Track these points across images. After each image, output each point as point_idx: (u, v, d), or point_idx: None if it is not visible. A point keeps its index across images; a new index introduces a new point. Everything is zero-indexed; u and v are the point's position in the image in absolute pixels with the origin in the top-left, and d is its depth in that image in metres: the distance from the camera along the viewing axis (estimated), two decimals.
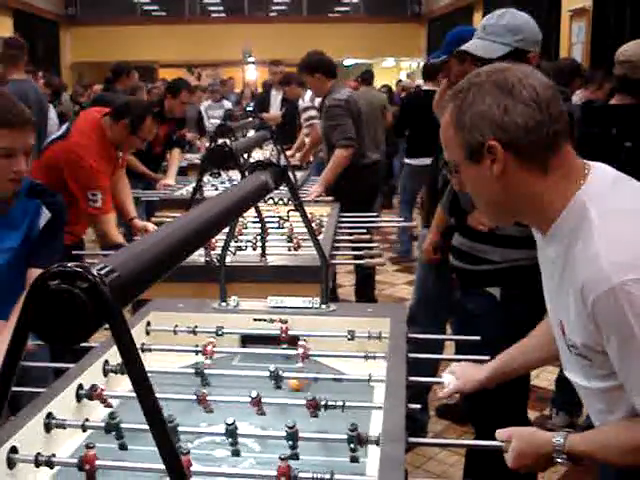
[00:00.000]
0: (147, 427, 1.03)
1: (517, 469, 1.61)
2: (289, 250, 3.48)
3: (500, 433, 1.64)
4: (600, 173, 1.46)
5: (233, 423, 1.70)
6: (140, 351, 2.30)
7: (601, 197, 1.41)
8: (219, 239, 2.73)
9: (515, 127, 1.37)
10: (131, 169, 5.82)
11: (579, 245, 1.39)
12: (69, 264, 1.00)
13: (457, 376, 1.98)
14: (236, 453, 1.73)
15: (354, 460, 1.66)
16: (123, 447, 1.75)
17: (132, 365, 1.02)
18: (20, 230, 2.46)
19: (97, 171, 3.65)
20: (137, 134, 3.75)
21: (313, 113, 6.62)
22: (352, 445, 1.65)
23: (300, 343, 2.23)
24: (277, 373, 2.02)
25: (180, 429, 1.75)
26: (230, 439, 1.71)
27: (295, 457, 1.65)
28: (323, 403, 1.83)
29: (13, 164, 2.27)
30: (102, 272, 1.02)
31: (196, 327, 2.41)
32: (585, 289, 1.36)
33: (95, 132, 3.76)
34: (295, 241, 3.53)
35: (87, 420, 1.84)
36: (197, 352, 2.27)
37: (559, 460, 1.52)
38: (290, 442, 1.67)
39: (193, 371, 2.13)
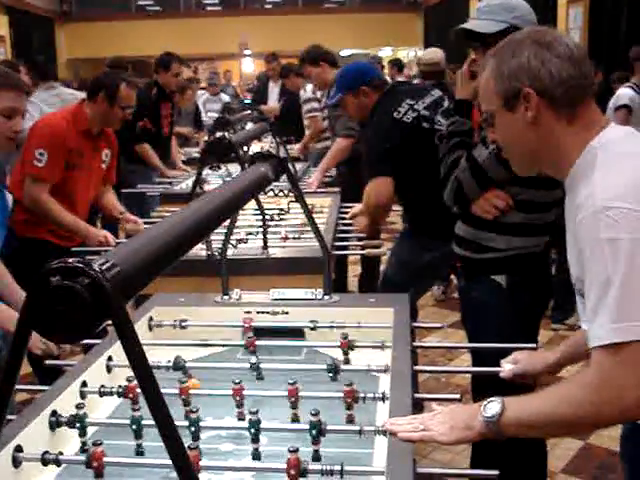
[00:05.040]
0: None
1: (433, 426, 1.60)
2: (290, 241, 3.48)
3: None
4: (616, 126, 1.58)
5: (257, 412, 1.69)
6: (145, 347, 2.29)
7: (610, 144, 1.51)
8: (219, 232, 2.72)
9: (550, 77, 1.51)
10: (146, 160, 5.86)
11: (584, 186, 1.47)
12: (70, 260, 0.98)
13: (522, 362, 1.98)
14: (257, 456, 1.71)
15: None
16: (139, 450, 1.75)
17: (136, 361, 1.01)
18: None
19: (55, 132, 3.57)
20: (116, 104, 3.70)
21: (315, 105, 6.61)
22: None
23: None
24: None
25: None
26: (253, 430, 1.70)
27: (317, 456, 1.64)
28: (362, 396, 1.82)
29: (13, 124, 2.60)
30: (103, 267, 1.01)
31: (199, 321, 2.40)
32: (577, 216, 1.45)
33: (67, 113, 3.75)
34: (284, 234, 3.52)
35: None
36: (202, 345, 2.26)
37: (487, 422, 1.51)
38: (314, 433, 1.65)
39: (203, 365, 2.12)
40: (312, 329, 2.38)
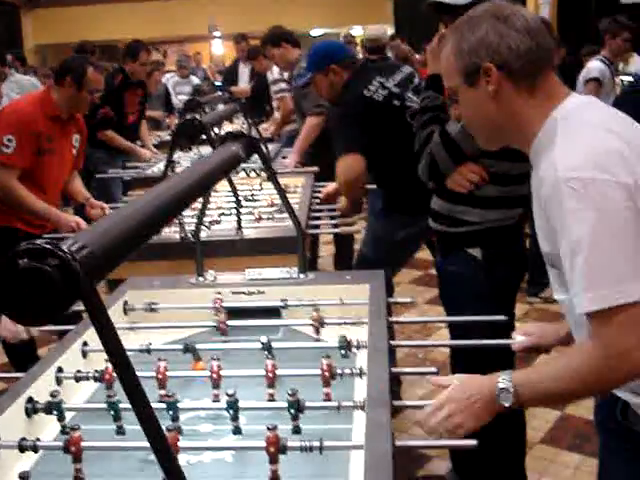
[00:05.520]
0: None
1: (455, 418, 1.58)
2: (264, 221, 3.47)
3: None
4: (578, 96, 1.59)
5: (234, 393, 1.69)
6: (121, 330, 2.27)
7: (571, 114, 1.51)
8: (193, 214, 2.71)
9: (508, 51, 1.52)
10: (115, 146, 5.79)
11: (546, 157, 1.47)
12: (38, 241, 0.97)
13: (535, 334, 1.95)
14: (238, 431, 1.71)
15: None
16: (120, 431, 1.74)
17: (110, 343, 1.00)
18: None
19: (23, 117, 3.53)
20: (84, 87, 3.65)
21: (283, 85, 6.57)
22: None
23: None
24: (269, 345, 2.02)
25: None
26: (231, 411, 1.70)
27: (297, 430, 1.65)
28: (339, 372, 1.82)
29: None
30: (73, 248, 0.99)
31: (173, 303, 2.38)
32: (541, 188, 1.46)
33: (34, 98, 3.71)
34: (258, 214, 3.51)
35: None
36: (177, 328, 2.25)
37: (503, 397, 1.50)
38: (292, 411, 1.66)
39: (181, 347, 2.12)
40: (288, 307, 2.38)
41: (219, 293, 2.42)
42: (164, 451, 1.03)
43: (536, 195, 1.56)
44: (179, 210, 1.59)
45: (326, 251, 6.26)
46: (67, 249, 0.97)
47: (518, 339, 1.97)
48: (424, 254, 4.73)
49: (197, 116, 3.93)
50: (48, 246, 0.95)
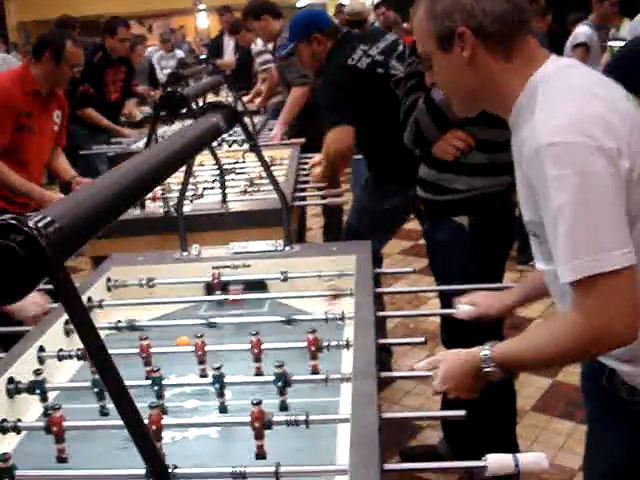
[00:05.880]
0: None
1: (449, 393, 1.61)
2: (249, 194, 3.43)
3: (424, 364, 1.67)
4: (557, 59, 1.52)
5: (220, 367, 1.67)
6: (101, 307, 2.25)
7: (552, 78, 1.46)
8: (177, 189, 2.66)
9: (483, 14, 1.46)
10: (94, 124, 5.73)
11: (526, 123, 1.43)
12: (4, 216, 0.93)
13: (479, 304, 1.96)
14: (224, 409, 1.69)
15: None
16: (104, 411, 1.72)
17: (79, 322, 0.96)
18: None
19: (0, 94, 3.46)
20: (63, 61, 3.59)
21: (267, 57, 6.51)
22: None
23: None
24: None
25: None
26: (217, 386, 1.67)
27: (284, 406, 1.63)
28: (326, 344, 1.80)
29: None
30: (40, 224, 0.95)
31: (158, 279, 2.35)
32: (523, 154, 1.41)
33: (11, 74, 3.65)
34: (243, 187, 3.47)
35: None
36: (161, 303, 2.22)
37: (488, 369, 1.51)
38: (280, 384, 1.64)
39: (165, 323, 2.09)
40: (273, 280, 2.35)
41: (216, 268, 2.40)
42: (140, 434, 1.00)
43: (517, 161, 1.52)
44: (156, 183, 1.55)
45: (316, 223, 6.22)
46: (33, 224, 0.93)
47: (461, 307, 1.98)
48: (413, 224, 4.70)
49: (179, 88, 3.87)
50: (13, 221, 0.91)
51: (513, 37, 1.48)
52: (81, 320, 0.96)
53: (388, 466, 1.36)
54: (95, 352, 0.97)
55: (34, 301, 2.23)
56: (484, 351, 1.53)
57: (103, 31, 5.95)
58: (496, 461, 1.34)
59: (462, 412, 1.52)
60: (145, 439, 1.01)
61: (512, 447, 2.78)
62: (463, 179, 2.56)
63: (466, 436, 2.67)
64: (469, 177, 2.55)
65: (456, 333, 2.41)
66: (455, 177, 2.57)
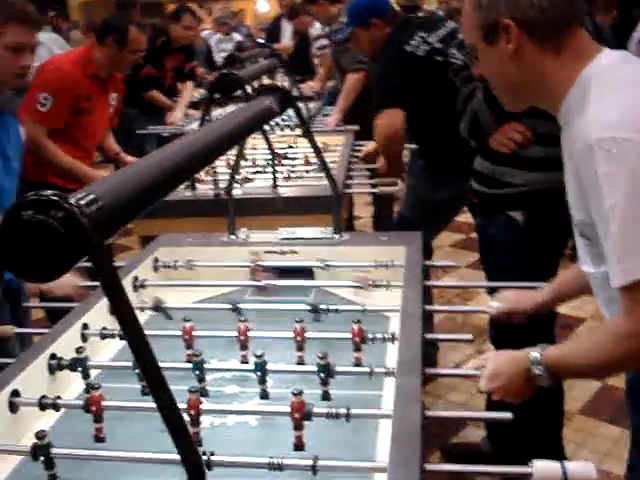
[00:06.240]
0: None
1: (494, 394, 1.57)
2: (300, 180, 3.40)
3: (472, 363, 1.65)
4: (611, 52, 1.46)
5: (262, 355, 1.65)
6: (144, 287, 2.24)
7: (605, 72, 1.40)
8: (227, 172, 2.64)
9: (529, 6, 1.41)
10: (153, 103, 5.75)
11: (578, 118, 1.37)
12: (45, 192, 0.90)
13: (510, 300, 1.93)
14: (265, 395, 1.67)
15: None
16: (145, 391, 1.69)
17: (117, 302, 0.93)
18: None
19: (63, 77, 3.46)
20: (126, 47, 3.60)
21: (324, 42, 6.46)
22: None
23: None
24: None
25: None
26: (259, 374, 1.65)
27: (327, 396, 1.61)
28: (371, 336, 1.77)
29: (21, 59, 2.40)
30: (82, 202, 0.93)
31: (204, 261, 2.34)
32: (574, 151, 1.36)
33: (76, 56, 3.65)
34: (286, 172, 3.44)
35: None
36: (207, 286, 2.20)
37: (537, 372, 1.47)
38: (322, 375, 1.61)
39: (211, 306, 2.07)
40: (322, 268, 2.31)
41: (256, 254, 2.38)
42: (174, 422, 0.98)
43: (568, 159, 1.46)
44: (204, 164, 1.52)
45: (366, 212, 6.17)
46: (75, 202, 0.90)
47: (494, 304, 1.95)
48: (466, 217, 4.62)
49: (234, 71, 3.84)
50: (54, 198, 0.89)
51: (562, 30, 1.43)
52: (118, 300, 0.93)
53: (429, 466, 1.32)
54: (130, 333, 0.94)
55: (66, 281, 2.22)
56: (534, 353, 1.49)
57: (169, 18, 5.97)
58: (542, 468, 1.29)
59: (509, 414, 1.47)
60: (179, 428, 0.98)
61: (558, 450, 2.71)
62: (519, 173, 2.49)
63: (510, 436, 2.61)
64: (526, 171, 2.48)
65: (504, 330, 2.35)
66: (511, 171, 2.50)
